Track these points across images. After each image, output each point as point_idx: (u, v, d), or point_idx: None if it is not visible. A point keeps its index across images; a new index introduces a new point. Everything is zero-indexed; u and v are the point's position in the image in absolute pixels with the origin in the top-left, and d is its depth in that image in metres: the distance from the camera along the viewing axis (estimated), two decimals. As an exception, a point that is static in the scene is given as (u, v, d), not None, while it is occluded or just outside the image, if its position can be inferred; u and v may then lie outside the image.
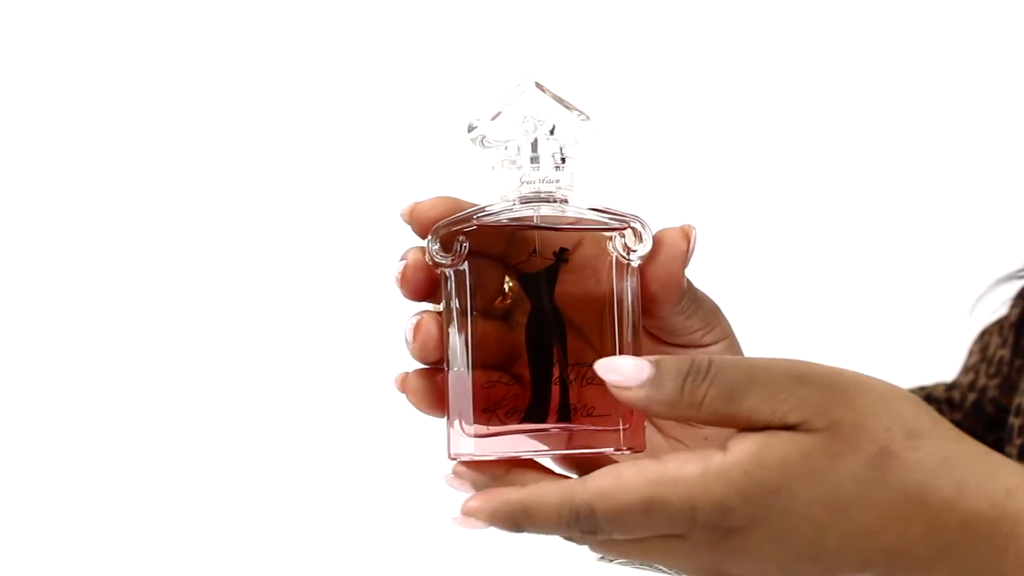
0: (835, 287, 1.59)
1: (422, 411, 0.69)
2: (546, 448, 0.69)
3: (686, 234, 0.68)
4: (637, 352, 0.67)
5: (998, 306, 1.02)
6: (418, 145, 1.62)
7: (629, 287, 0.68)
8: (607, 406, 0.67)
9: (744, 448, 0.60)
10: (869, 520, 0.60)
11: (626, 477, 0.60)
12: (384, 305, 1.45)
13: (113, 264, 1.73)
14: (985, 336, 1.01)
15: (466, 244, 0.67)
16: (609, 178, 0.87)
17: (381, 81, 1.67)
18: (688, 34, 1.68)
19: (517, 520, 0.62)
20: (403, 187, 1.57)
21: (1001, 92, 1.64)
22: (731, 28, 1.68)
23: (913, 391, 1.01)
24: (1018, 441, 0.89)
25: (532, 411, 0.67)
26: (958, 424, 0.98)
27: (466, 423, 0.67)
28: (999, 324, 0.99)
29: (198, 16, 1.72)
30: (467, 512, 0.63)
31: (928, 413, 0.62)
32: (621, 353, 0.67)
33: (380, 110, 1.67)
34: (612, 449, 0.67)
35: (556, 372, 0.67)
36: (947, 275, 1.51)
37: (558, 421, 0.68)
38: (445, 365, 0.67)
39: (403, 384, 0.69)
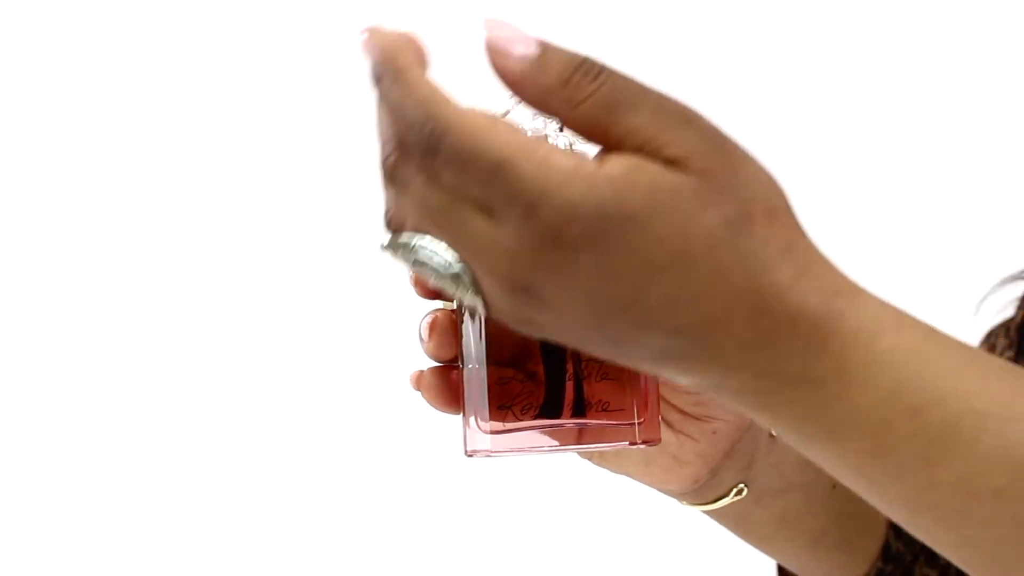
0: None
1: (437, 408, 0.69)
2: (559, 443, 0.69)
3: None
4: None
5: (1003, 307, 1.02)
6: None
7: None
8: (622, 400, 0.67)
9: (620, 163, 0.54)
10: (700, 283, 0.55)
11: (502, 130, 0.54)
12: (394, 303, 1.47)
13: (112, 264, 1.73)
14: (991, 337, 1.01)
15: None
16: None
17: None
18: (688, 32, 1.68)
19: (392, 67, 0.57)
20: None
21: (1002, 92, 1.64)
22: (724, 23, 1.69)
23: None
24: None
25: (547, 407, 0.68)
26: None
27: (482, 420, 0.67)
28: (1005, 325, 0.99)
29: (187, 15, 1.72)
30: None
31: (788, 202, 0.58)
32: None
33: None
34: (628, 443, 0.67)
35: (570, 367, 0.68)
36: (952, 275, 1.51)
37: (573, 416, 0.68)
38: (460, 362, 0.68)
39: (418, 382, 0.69)
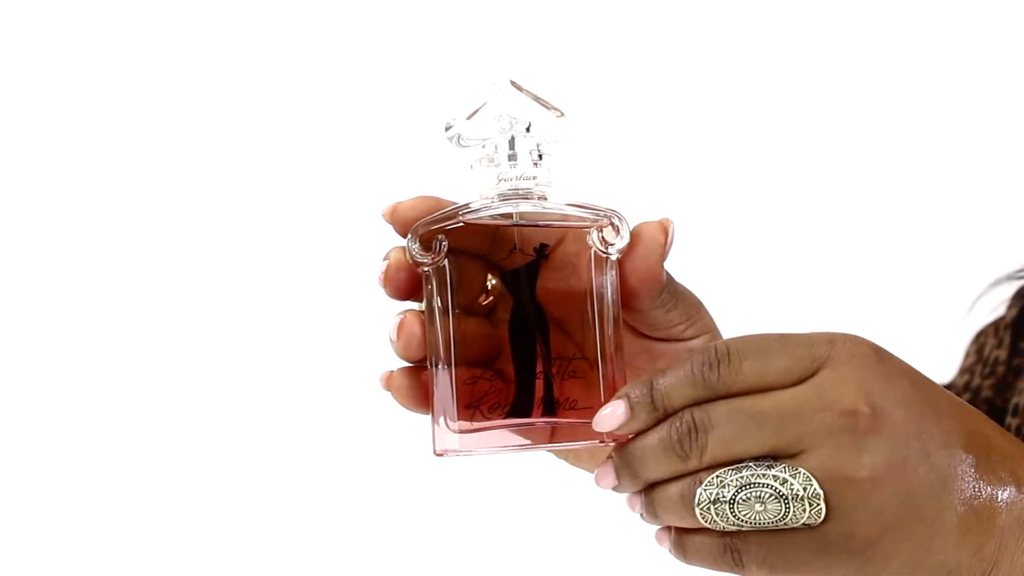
0: (831, 287, 1.59)
1: (407, 408, 0.70)
2: (530, 442, 0.69)
3: (664, 228, 0.69)
4: (619, 345, 0.68)
5: (995, 306, 1.02)
6: (396, 144, 1.62)
7: (609, 281, 0.68)
8: (590, 399, 0.67)
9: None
10: (951, 400, 0.65)
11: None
12: (368, 303, 1.47)
13: (112, 264, 1.73)
14: (981, 337, 1.01)
15: (445, 243, 0.68)
16: (587, 174, 0.88)
17: (360, 81, 1.68)
18: (663, 28, 1.68)
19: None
20: (382, 186, 1.58)
21: (1001, 92, 1.64)
22: (709, 20, 1.68)
23: None
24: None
25: (518, 405, 0.68)
26: None
27: (450, 419, 0.67)
28: (995, 325, 0.99)
29: (183, 16, 1.73)
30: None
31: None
32: (602, 345, 0.68)
33: (359, 110, 1.67)
34: (597, 441, 0.68)
35: (539, 366, 0.68)
36: (944, 275, 1.51)
37: (543, 415, 0.68)
38: (428, 363, 0.68)
39: (388, 382, 0.70)
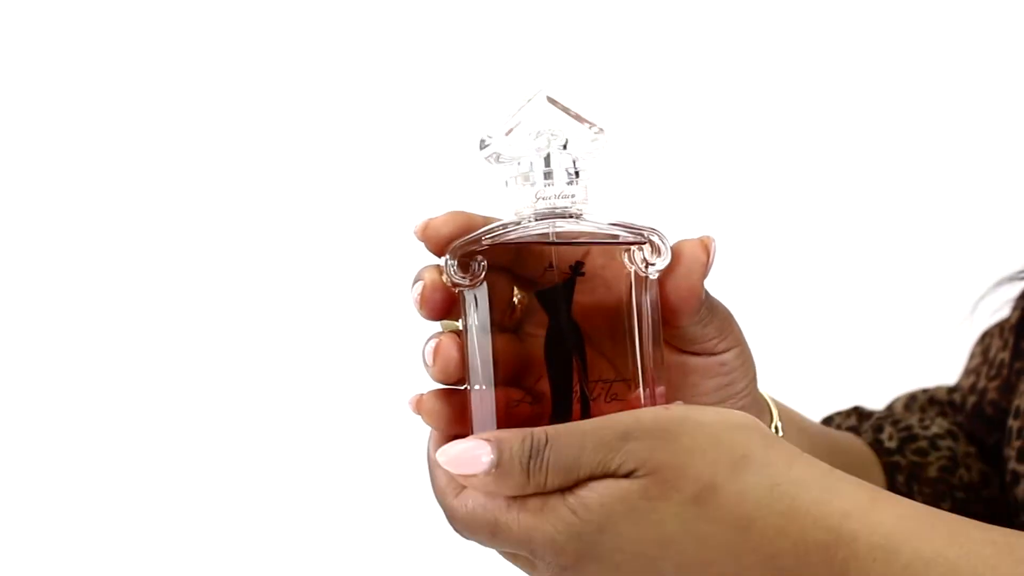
0: (837, 291, 1.60)
1: (437, 430, 0.69)
2: None
3: (706, 246, 0.68)
4: (659, 365, 0.68)
5: (999, 307, 1.02)
6: (430, 158, 1.61)
7: (648, 300, 0.67)
8: None
9: (577, 492, 0.63)
10: (700, 553, 0.63)
11: (477, 512, 0.64)
12: (392, 314, 1.45)
13: (114, 265, 1.72)
14: (986, 338, 1.01)
15: (484, 263, 0.67)
16: (623, 189, 0.87)
17: (394, 94, 1.67)
18: (697, 46, 1.68)
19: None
20: (415, 200, 1.57)
21: (1001, 93, 1.64)
22: (738, 38, 1.69)
23: (916, 394, 1.01)
24: (1017, 443, 0.89)
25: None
26: (960, 427, 0.97)
27: None
28: (1000, 326, 0.99)
29: (190, 16, 1.72)
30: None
31: (762, 438, 0.64)
32: (643, 366, 0.67)
33: (393, 123, 1.67)
34: None
35: (576, 387, 0.67)
36: (948, 277, 1.51)
37: (580, 437, 0.67)
38: (467, 383, 0.67)
39: (418, 406, 0.69)
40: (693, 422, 0.63)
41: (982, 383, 0.98)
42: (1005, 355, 0.96)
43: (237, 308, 1.73)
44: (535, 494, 0.63)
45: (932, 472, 0.95)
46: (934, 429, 0.97)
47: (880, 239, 1.62)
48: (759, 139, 1.64)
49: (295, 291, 1.72)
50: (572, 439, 0.63)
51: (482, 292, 0.67)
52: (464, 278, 0.66)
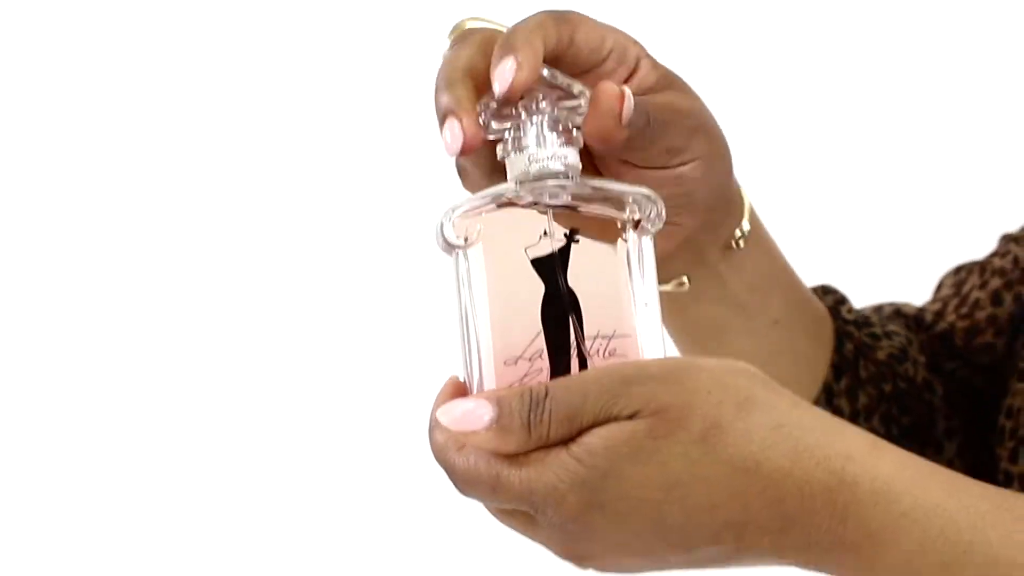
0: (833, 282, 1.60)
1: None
2: None
3: (619, 96, 0.69)
4: (657, 319, 0.68)
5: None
6: (430, 158, 1.62)
7: (644, 258, 0.68)
8: None
9: (580, 440, 0.62)
10: (706, 496, 0.62)
11: (479, 458, 0.64)
12: (384, 304, 1.44)
13: (114, 265, 1.74)
14: (962, 272, 1.01)
15: (480, 228, 0.68)
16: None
17: (394, 94, 1.68)
18: (697, 46, 1.69)
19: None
20: (416, 200, 1.57)
21: (998, 96, 1.65)
22: (728, 28, 1.70)
23: (883, 305, 1.01)
24: (1010, 444, 0.89)
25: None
26: (923, 350, 0.97)
27: None
28: (981, 266, 0.99)
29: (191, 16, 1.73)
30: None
31: (764, 383, 0.64)
32: (641, 324, 0.68)
33: (393, 123, 1.68)
34: None
35: (573, 344, 0.67)
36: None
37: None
38: (465, 348, 0.68)
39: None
40: (696, 367, 0.64)
41: (951, 317, 0.98)
42: (981, 295, 0.97)
43: (237, 308, 1.73)
44: (538, 448, 0.63)
45: (881, 355, 0.95)
46: (891, 327, 0.98)
47: (878, 241, 1.62)
48: (758, 140, 1.65)
49: (295, 291, 1.73)
50: (572, 388, 0.63)
51: (477, 255, 0.68)
52: (460, 239, 0.67)
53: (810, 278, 0.92)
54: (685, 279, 0.83)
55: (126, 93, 1.74)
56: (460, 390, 0.68)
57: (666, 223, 0.70)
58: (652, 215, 0.69)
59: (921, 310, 1.01)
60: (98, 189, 1.74)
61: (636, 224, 0.69)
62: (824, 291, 0.97)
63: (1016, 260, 0.97)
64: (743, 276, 0.86)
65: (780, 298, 0.88)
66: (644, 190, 0.69)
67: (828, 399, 0.92)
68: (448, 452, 0.65)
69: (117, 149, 1.75)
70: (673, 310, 0.86)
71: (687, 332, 0.88)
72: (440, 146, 0.69)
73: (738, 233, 0.83)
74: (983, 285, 0.97)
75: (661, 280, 0.77)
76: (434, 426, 0.66)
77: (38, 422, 1.72)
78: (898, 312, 1.00)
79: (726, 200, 0.81)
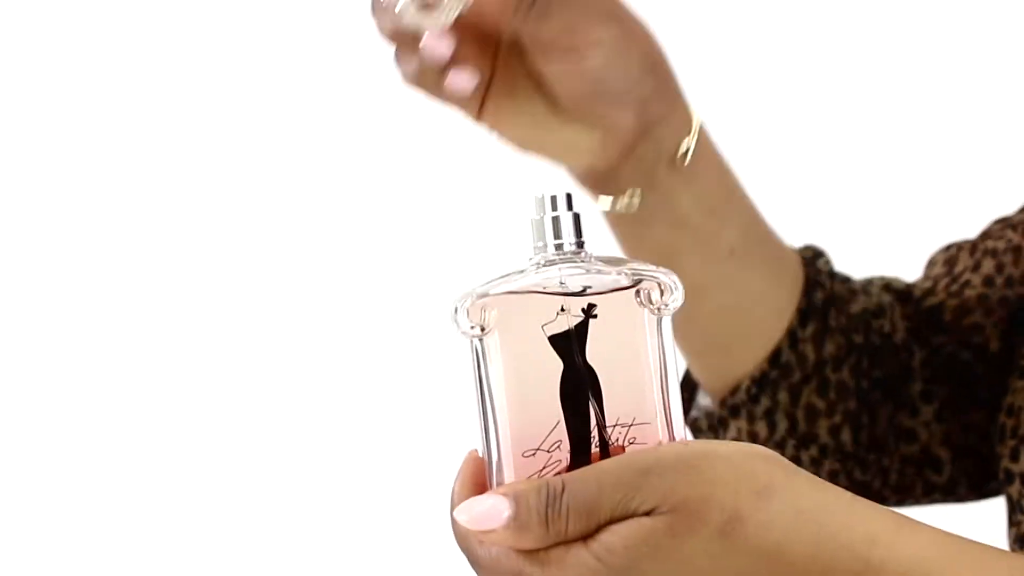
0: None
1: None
2: None
3: None
4: (678, 405, 0.67)
5: None
6: (429, 159, 1.62)
7: (662, 339, 0.67)
8: None
9: (599, 537, 0.62)
10: None
11: (501, 553, 0.63)
12: (392, 314, 1.44)
13: (115, 265, 1.73)
14: (952, 249, 1.00)
15: (495, 312, 0.66)
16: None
17: (393, 94, 1.65)
18: (697, 47, 1.67)
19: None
20: (416, 200, 1.56)
21: (998, 97, 1.64)
22: (738, 38, 1.68)
23: (873, 278, 1.00)
24: (1011, 442, 0.89)
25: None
26: (907, 319, 0.97)
27: None
28: (972, 245, 0.98)
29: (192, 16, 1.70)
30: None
31: (783, 467, 0.63)
32: (662, 408, 0.67)
33: (392, 124, 1.67)
34: None
35: (595, 433, 0.66)
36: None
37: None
38: (482, 438, 0.67)
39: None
40: (713, 455, 0.63)
41: (940, 294, 0.97)
42: (973, 277, 0.96)
43: (237, 308, 1.73)
44: (558, 543, 0.63)
45: (855, 309, 0.95)
46: (873, 290, 0.97)
47: (877, 243, 1.62)
48: (757, 142, 1.64)
49: (295, 291, 1.72)
50: (589, 481, 0.62)
51: (494, 342, 0.66)
52: (475, 328, 0.66)
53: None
54: (636, 194, 0.82)
55: (126, 93, 1.72)
56: (479, 473, 0.67)
57: (593, 118, 0.71)
58: (671, 293, 0.67)
59: (910, 285, 1.01)
60: (98, 189, 1.73)
61: (656, 303, 0.67)
62: (806, 248, 0.96)
63: (1010, 243, 0.96)
64: (695, 198, 0.85)
65: (736, 228, 0.87)
66: (661, 268, 0.67)
67: (792, 344, 0.91)
68: (471, 543, 0.64)
69: (117, 149, 1.73)
70: (627, 235, 0.86)
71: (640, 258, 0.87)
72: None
73: (684, 147, 0.82)
74: (976, 267, 0.96)
75: (613, 193, 0.78)
76: (455, 514, 0.65)
77: (38, 422, 1.72)
78: (887, 285, 1.00)
79: (659, 100, 0.80)
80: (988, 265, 0.96)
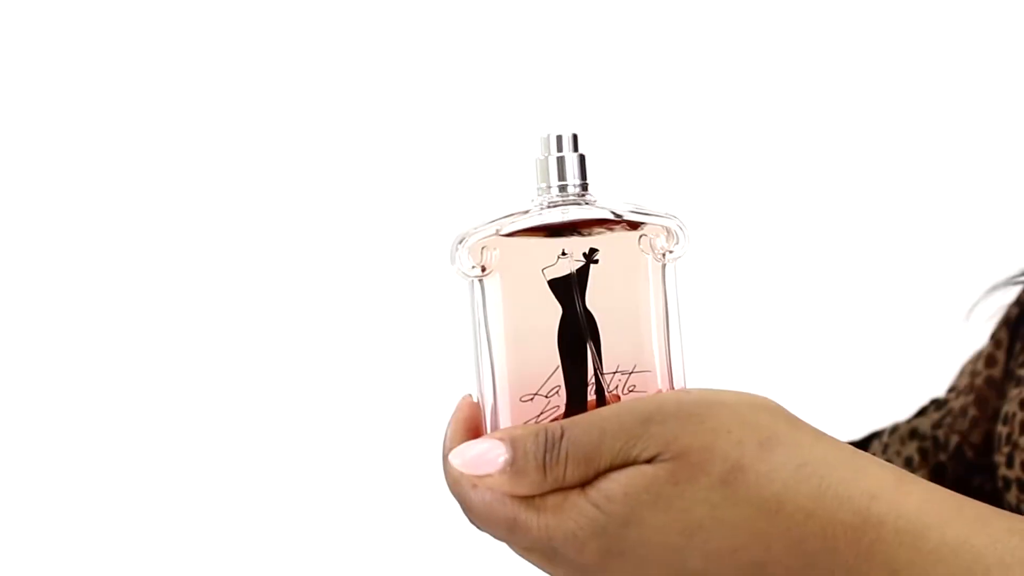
0: (832, 296, 1.59)
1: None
2: None
3: None
4: (678, 354, 0.66)
5: (994, 313, 1.02)
6: (429, 159, 1.61)
7: (665, 288, 0.66)
8: None
9: (598, 484, 0.61)
10: (727, 540, 0.61)
11: (495, 498, 0.62)
12: (385, 303, 1.44)
13: (115, 265, 1.71)
14: (979, 363, 0.99)
15: (497, 253, 0.65)
16: (625, 190, 0.86)
17: (393, 94, 1.66)
18: (697, 47, 1.68)
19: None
20: (416, 200, 1.56)
21: (1001, 94, 1.65)
22: (732, 31, 1.68)
23: (899, 424, 0.99)
24: (1006, 449, 0.88)
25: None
26: (933, 469, 0.96)
27: None
28: (1007, 370, 0.98)
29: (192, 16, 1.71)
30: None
31: (787, 418, 0.63)
32: (662, 356, 0.66)
33: (393, 123, 1.65)
34: None
35: (592, 379, 0.65)
36: (943, 282, 1.51)
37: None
38: (478, 382, 0.65)
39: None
40: (717, 403, 0.62)
41: (970, 409, 0.96)
42: (995, 351, 0.95)
43: (237, 308, 1.72)
44: (555, 490, 0.61)
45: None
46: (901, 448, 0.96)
47: (875, 244, 1.62)
48: (756, 143, 1.64)
49: (295, 291, 1.71)
50: (590, 428, 0.61)
51: (494, 283, 0.65)
52: (475, 268, 0.65)
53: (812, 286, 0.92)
54: None
55: (126, 93, 1.72)
56: (473, 418, 0.65)
57: None
58: (676, 240, 0.66)
59: (937, 427, 0.99)
60: (98, 190, 1.72)
61: (660, 250, 0.66)
62: None
63: None
64: None
65: None
66: (669, 213, 0.66)
67: None
68: (463, 487, 0.63)
69: (117, 150, 1.73)
70: None
71: None
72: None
73: None
74: (999, 344, 0.95)
75: None
76: (447, 458, 0.64)
77: (38, 422, 1.71)
78: (913, 433, 0.99)
79: None
80: (1007, 340, 0.95)
